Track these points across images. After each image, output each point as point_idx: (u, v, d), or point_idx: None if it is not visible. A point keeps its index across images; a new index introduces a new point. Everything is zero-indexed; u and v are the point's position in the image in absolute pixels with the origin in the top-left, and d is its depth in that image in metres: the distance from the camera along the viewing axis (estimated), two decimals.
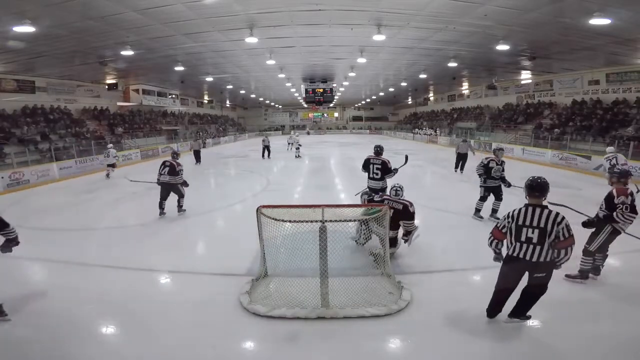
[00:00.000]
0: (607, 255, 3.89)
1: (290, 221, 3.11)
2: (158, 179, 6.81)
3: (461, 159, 11.73)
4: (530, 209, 2.72)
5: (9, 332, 3.13)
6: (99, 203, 8.40)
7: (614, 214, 3.60)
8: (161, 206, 6.86)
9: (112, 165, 12.25)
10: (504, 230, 2.83)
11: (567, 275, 3.81)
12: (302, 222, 3.12)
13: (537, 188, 2.74)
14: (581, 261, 3.82)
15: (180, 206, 7.07)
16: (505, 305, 3.10)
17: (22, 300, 3.67)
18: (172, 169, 6.69)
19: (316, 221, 3.08)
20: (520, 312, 3.03)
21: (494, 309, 3.11)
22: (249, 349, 3.01)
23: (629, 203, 3.56)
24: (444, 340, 2.98)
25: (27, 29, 8.51)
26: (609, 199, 3.71)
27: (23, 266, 4.71)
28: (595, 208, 3.95)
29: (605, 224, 3.70)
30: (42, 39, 10.07)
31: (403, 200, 4.45)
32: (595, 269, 3.89)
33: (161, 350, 2.91)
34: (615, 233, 3.71)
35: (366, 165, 5.88)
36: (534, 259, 2.73)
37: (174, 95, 25.87)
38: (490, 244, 2.98)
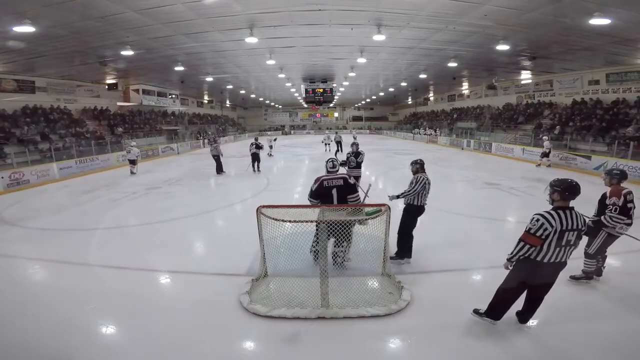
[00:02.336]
0: (606, 256, 3.87)
1: (290, 221, 3.11)
2: (251, 152, 12.45)
3: None
4: (568, 212, 2.70)
5: (9, 332, 3.12)
6: (98, 203, 8.40)
7: (602, 217, 3.57)
8: (254, 167, 12.39)
9: (133, 162, 13.00)
10: (543, 236, 2.66)
11: (571, 277, 3.80)
12: (302, 222, 3.12)
13: (576, 191, 2.73)
14: (584, 263, 3.81)
15: (258, 168, 12.49)
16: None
17: (21, 300, 3.67)
18: (258, 145, 12.52)
19: (316, 221, 3.07)
20: (531, 314, 3.05)
21: (502, 311, 3.06)
22: (249, 349, 3.00)
23: (620, 205, 3.48)
24: (445, 341, 2.98)
25: (27, 29, 8.51)
26: (602, 200, 3.66)
27: (22, 266, 4.71)
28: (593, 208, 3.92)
29: (599, 230, 3.66)
30: (42, 39, 10.07)
31: (340, 174, 4.18)
32: (598, 270, 3.88)
33: (160, 350, 2.91)
34: (612, 236, 3.67)
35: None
36: (567, 259, 2.78)
37: (173, 95, 25.85)
38: (524, 252, 2.75)
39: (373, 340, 3.00)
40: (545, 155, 13.56)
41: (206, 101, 33.49)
